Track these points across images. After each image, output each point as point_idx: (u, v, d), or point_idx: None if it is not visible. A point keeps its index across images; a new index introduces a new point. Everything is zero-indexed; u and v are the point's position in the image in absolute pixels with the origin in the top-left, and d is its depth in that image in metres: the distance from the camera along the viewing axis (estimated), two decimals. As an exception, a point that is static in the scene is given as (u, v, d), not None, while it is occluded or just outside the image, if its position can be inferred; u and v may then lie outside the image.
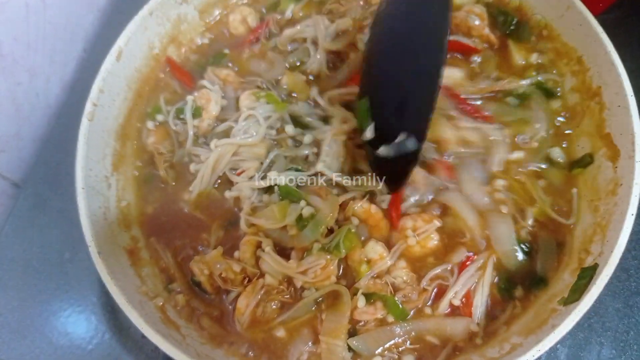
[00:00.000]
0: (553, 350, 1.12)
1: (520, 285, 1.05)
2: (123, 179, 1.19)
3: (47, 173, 1.40)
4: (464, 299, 1.03)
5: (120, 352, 1.18)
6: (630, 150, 1.01)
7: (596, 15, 1.13)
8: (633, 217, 0.96)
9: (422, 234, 1.06)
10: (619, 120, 1.07)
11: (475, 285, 1.04)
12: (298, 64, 1.31)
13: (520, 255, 1.06)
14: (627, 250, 0.95)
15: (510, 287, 1.05)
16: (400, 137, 0.95)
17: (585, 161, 1.12)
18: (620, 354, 1.11)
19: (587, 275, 0.96)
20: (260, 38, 1.35)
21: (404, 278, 1.04)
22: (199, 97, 1.24)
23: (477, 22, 1.25)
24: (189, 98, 1.24)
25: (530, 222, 1.09)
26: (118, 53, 1.18)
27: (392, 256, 1.06)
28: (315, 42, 1.30)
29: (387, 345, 1.01)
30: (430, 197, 1.12)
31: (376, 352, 1.01)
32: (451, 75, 1.19)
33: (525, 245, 1.07)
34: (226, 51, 1.35)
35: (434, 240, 1.07)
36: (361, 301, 1.02)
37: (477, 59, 1.25)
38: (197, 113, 1.23)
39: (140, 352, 1.17)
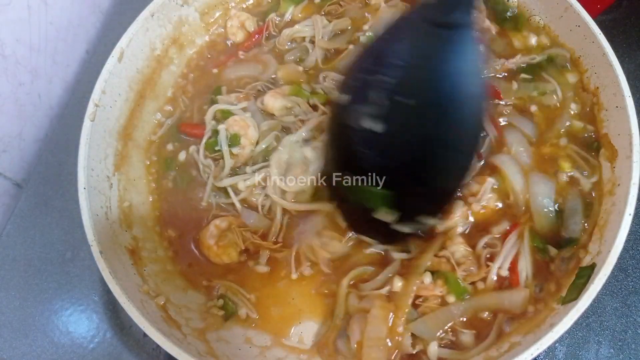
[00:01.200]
0: (551, 349, 1.12)
1: (553, 246, 1.06)
2: (125, 179, 1.20)
3: (49, 173, 1.41)
4: (509, 267, 1.04)
5: (121, 351, 1.18)
6: (628, 151, 1.02)
7: (594, 17, 1.14)
8: (631, 217, 0.96)
9: (483, 197, 1.07)
10: (616, 121, 1.08)
11: (517, 252, 1.05)
12: (297, 61, 1.32)
13: (553, 216, 1.07)
14: (625, 249, 0.96)
15: (545, 248, 1.06)
16: (421, 219, 0.95)
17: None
18: (618, 353, 1.12)
19: (585, 274, 0.97)
20: (262, 41, 1.36)
21: (463, 252, 1.05)
22: (231, 125, 1.20)
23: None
24: (222, 127, 1.19)
25: (565, 178, 1.11)
26: (120, 54, 1.19)
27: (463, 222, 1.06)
28: (313, 41, 1.32)
29: (447, 327, 1.01)
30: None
31: (437, 334, 1.00)
32: None
33: (557, 206, 1.09)
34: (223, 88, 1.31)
35: (495, 201, 1.08)
36: (427, 278, 1.02)
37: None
38: (234, 142, 1.18)
39: (142, 351, 1.18)
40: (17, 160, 1.45)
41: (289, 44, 1.34)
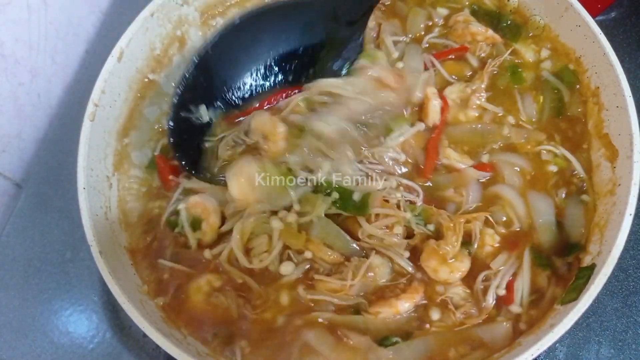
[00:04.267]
0: (552, 349, 1.12)
1: (558, 257, 1.05)
2: (124, 179, 1.20)
3: (48, 173, 1.41)
4: (506, 287, 1.03)
5: (121, 351, 1.18)
6: (629, 151, 1.02)
7: (594, 17, 1.14)
8: (631, 217, 0.96)
9: (477, 239, 1.05)
10: (617, 120, 1.08)
11: (516, 271, 1.04)
12: None
13: (555, 229, 1.07)
14: (626, 250, 0.95)
15: (549, 262, 1.05)
16: None
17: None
18: (618, 353, 1.12)
19: (585, 275, 0.97)
20: None
21: (462, 295, 1.03)
22: (193, 206, 1.11)
23: (480, 28, 1.24)
24: (182, 207, 1.11)
25: (563, 194, 1.11)
26: (119, 54, 1.18)
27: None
28: None
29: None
30: (473, 205, 1.10)
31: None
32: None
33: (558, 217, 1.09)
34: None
35: (494, 238, 1.06)
36: (436, 314, 1.01)
37: (482, 53, 1.26)
38: (195, 224, 1.10)
39: (142, 351, 1.18)
40: (16, 160, 1.45)
41: None
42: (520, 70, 1.23)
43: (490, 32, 1.25)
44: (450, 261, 1.01)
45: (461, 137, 1.17)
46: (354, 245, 1.05)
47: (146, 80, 1.27)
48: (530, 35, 1.27)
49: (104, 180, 1.14)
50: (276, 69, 1.23)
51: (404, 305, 1.00)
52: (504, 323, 0.99)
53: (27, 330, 1.22)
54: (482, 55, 1.26)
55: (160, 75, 1.30)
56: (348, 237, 1.05)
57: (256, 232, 1.06)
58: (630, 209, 0.97)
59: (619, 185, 1.03)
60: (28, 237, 1.32)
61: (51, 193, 1.37)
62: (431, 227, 1.06)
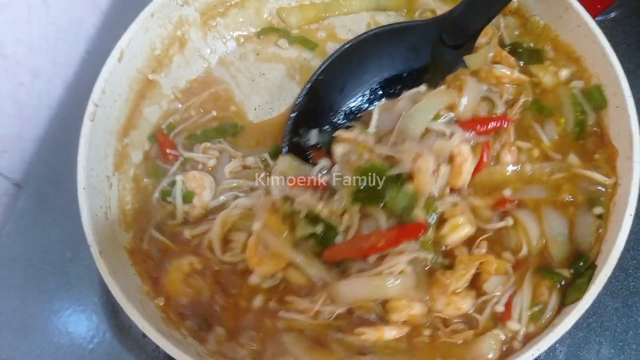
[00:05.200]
0: (552, 349, 1.12)
1: (567, 269, 1.02)
2: (124, 179, 1.20)
3: (48, 173, 1.41)
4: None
5: (121, 352, 1.18)
6: (629, 151, 1.02)
7: (594, 17, 1.14)
8: (631, 218, 0.96)
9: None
10: (617, 120, 1.08)
11: (515, 290, 1.00)
12: None
13: (567, 244, 1.04)
14: (626, 250, 0.95)
15: (553, 274, 1.01)
16: None
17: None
18: (619, 353, 1.11)
19: (586, 275, 0.97)
20: None
21: (452, 313, 0.98)
22: (189, 179, 1.15)
23: (505, 71, 1.17)
24: (178, 179, 1.16)
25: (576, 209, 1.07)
26: (120, 54, 1.19)
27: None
28: None
29: None
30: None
31: None
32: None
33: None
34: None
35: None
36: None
37: (509, 96, 1.18)
38: (187, 198, 1.14)
39: (141, 352, 1.18)
40: (16, 160, 1.45)
41: None
42: (542, 103, 1.17)
43: (516, 73, 1.18)
44: (453, 293, 0.98)
45: (482, 182, 1.11)
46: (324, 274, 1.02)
47: (146, 80, 1.28)
48: (549, 58, 1.23)
49: (104, 180, 1.14)
50: (381, 92, 1.26)
51: (391, 333, 0.95)
52: (492, 341, 0.95)
53: (27, 330, 1.22)
54: (509, 97, 1.18)
55: (161, 75, 1.31)
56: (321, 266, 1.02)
57: (238, 225, 1.10)
58: (630, 209, 0.97)
59: (619, 185, 1.03)
60: (28, 237, 1.32)
61: (51, 193, 1.37)
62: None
